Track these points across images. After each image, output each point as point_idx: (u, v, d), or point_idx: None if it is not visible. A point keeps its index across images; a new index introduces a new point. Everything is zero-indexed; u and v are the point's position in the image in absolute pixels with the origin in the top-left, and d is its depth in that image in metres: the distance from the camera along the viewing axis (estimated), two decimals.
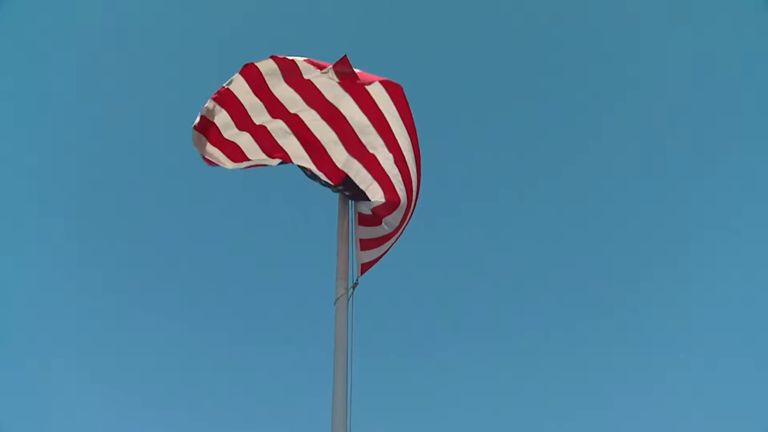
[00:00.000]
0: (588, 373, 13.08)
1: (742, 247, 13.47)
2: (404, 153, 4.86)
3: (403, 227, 5.26)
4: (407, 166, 4.92)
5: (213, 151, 5.01)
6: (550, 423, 12.10)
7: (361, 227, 5.24)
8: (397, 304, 14.02)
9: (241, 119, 4.94)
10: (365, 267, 5.27)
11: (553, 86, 16.18)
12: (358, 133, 4.94)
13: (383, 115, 4.76)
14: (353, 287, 4.91)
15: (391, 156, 4.92)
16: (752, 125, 13.76)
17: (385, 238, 5.29)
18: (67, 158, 14.29)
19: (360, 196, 5.21)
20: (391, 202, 5.07)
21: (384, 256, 5.40)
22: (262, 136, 5.07)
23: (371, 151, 4.99)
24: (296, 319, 13.68)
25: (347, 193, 5.23)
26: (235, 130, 4.98)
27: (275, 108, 4.93)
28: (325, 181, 5.25)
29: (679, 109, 14.96)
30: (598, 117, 15.77)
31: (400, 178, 4.98)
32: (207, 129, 4.90)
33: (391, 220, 5.18)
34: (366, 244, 5.24)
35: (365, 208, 5.26)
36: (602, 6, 15.69)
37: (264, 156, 5.13)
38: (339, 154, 5.08)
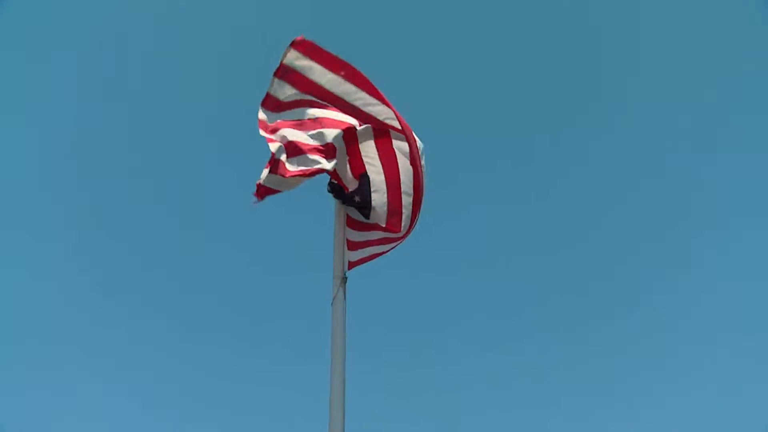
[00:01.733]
0: (587, 373, 13.10)
1: (742, 246, 13.48)
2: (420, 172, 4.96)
3: (397, 244, 5.29)
4: (421, 194, 5.02)
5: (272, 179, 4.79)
6: (549, 422, 12.10)
7: (348, 229, 5.20)
8: (396, 304, 14.04)
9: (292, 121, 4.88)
10: (353, 264, 5.25)
11: (555, 89, 16.21)
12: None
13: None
14: (343, 282, 4.91)
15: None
16: (753, 125, 13.76)
17: (373, 243, 5.30)
18: (69, 158, 14.33)
19: (356, 202, 5.16)
20: (390, 230, 5.13)
21: (379, 257, 5.39)
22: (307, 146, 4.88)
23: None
24: (293, 319, 13.70)
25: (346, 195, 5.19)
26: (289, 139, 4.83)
27: (318, 94, 4.91)
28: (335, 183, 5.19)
29: (680, 109, 14.97)
30: (598, 118, 15.80)
31: (411, 202, 5.05)
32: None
33: (383, 234, 5.23)
34: (353, 245, 5.23)
35: (357, 215, 5.23)
36: (604, 7, 15.71)
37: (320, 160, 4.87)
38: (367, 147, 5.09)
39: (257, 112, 4.93)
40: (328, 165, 4.68)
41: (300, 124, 4.87)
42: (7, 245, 12.76)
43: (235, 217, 14.98)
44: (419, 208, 5.11)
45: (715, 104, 14.58)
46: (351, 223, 5.21)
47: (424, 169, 5.04)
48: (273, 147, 4.66)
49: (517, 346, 13.76)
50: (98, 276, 13.74)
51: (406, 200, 5.05)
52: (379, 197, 5.06)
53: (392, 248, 5.31)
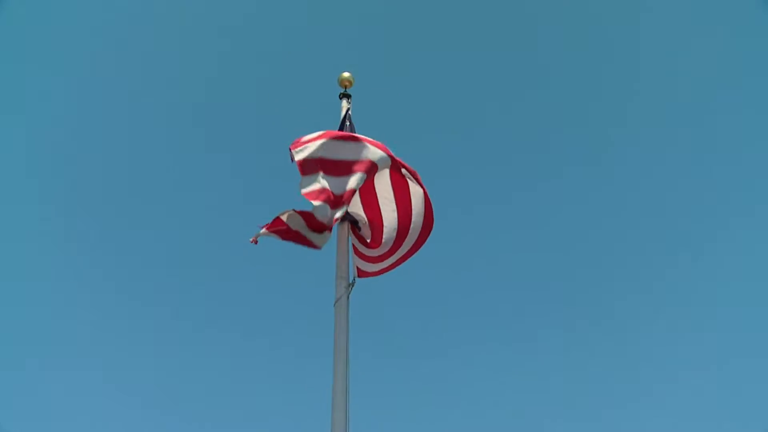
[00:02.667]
0: (588, 374, 13.12)
1: (741, 247, 13.50)
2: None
3: (403, 258, 5.52)
4: (409, 223, 5.29)
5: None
6: (550, 422, 12.12)
7: (352, 235, 5.46)
8: (397, 305, 14.04)
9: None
10: (361, 273, 5.53)
11: (555, 89, 16.22)
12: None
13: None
14: (350, 286, 4.99)
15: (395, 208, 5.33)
16: (753, 125, 13.78)
17: (373, 259, 5.53)
18: (69, 158, 14.32)
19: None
20: (372, 246, 5.39)
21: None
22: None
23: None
24: (297, 319, 13.71)
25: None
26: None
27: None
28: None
29: (678, 108, 14.99)
30: (598, 119, 15.81)
31: (396, 225, 5.31)
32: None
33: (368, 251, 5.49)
34: (357, 253, 5.50)
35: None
36: (603, 6, 15.73)
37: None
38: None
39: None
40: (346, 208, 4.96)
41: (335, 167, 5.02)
42: (7, 245, 12.77)
43: (236, 216, 15.01)
44: (407, 231, 5.34)
45: (715, 104, 14.62)
46: (354, 229, 5.44)
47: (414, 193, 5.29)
48: (317, 204, 4.78)
49: (517, 347, 13.80)
50: (98, 276, 13.75)
51: (390, 215, 5.32)
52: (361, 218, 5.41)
53: (399, 262, 5.52)
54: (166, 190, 15.12)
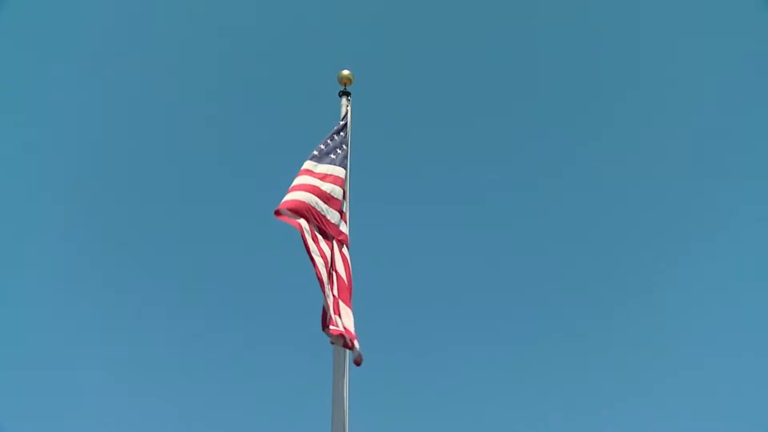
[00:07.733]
0: (588, 374, 13.10)
1: (742, 247, 13.49)
2: None
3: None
4: None
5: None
6: (550, 422, 12.11)
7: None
8: (397, 304, 14.04)
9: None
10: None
11: (555, 88, 16.23)
12: None
13: None
14: None
15: None
16: (752, 125, 13.78)
17: None
18: (70, 157, 14.32)
19: None
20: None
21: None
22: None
23: None
24: (297, 319, 13.69)
25: None
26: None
27: None
28: None
29: (678, 108, 14.99)
30: (600, 118, 15.79)
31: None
32: None
33: None
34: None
35: None
36: (603, 6, 15.75)
37: None
38: None
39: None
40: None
41: None
42: (8, 245, 12.76)
43: (236, 215, 15.02)
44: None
45: (715, 104, 14.63)
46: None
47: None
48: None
49: (517, 347, 13.76)
50: (99, 275, 13.72)
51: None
52: None
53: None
54: (167, 189, 15.12)
